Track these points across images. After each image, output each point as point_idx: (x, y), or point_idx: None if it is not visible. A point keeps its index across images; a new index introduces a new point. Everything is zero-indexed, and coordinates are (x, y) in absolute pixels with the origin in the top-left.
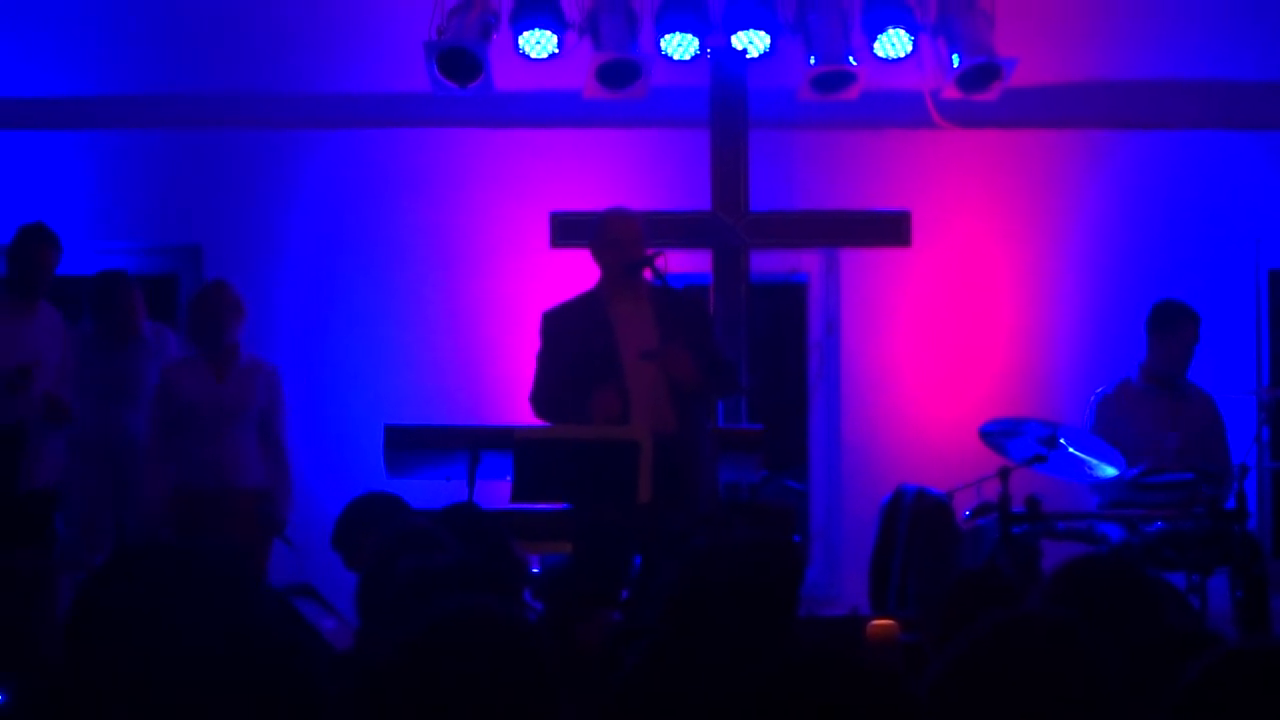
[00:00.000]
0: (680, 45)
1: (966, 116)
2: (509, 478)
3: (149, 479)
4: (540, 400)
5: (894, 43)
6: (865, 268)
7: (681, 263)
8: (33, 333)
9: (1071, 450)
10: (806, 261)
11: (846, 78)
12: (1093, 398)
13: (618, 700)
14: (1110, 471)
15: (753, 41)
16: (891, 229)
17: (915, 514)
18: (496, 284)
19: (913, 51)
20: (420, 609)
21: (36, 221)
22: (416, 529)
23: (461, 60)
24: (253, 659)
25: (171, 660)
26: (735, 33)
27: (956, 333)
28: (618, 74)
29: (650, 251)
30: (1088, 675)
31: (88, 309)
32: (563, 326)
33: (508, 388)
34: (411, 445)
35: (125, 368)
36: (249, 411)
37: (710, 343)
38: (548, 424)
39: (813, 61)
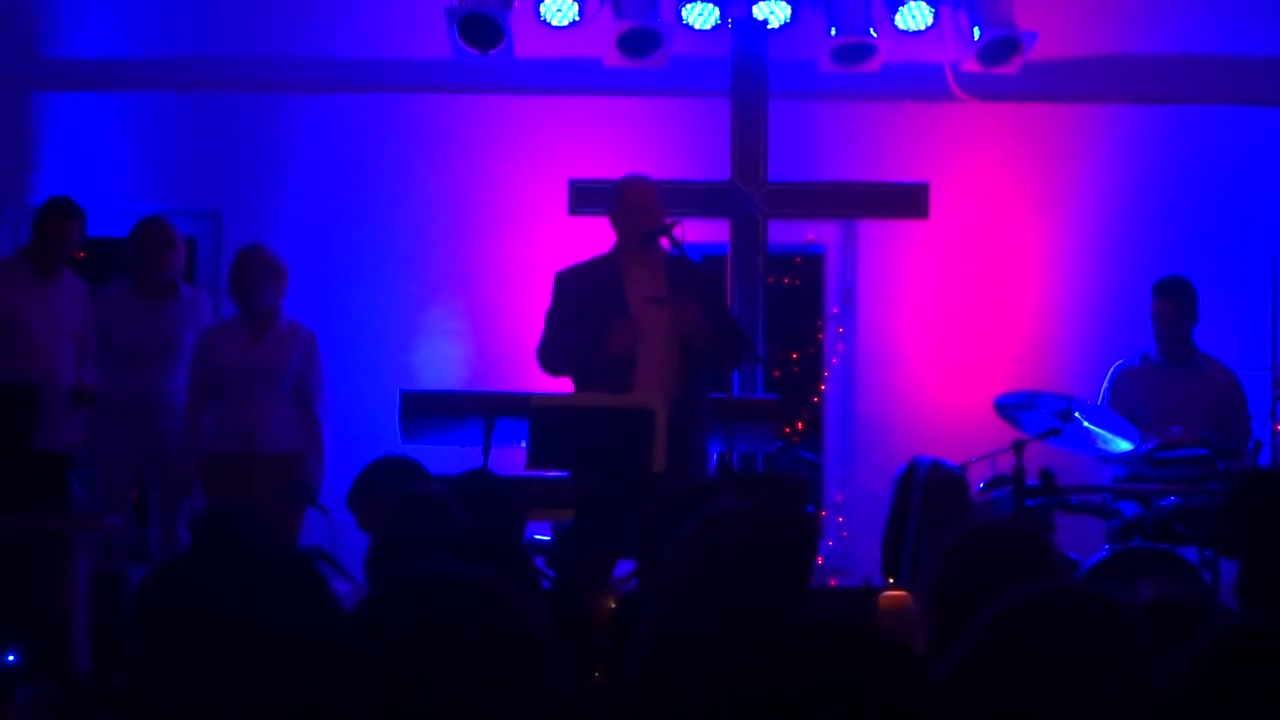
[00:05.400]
0: (701, 15)
1: (986, 89)
2: (524, 444)
3: (182, 442)
4: (545, 353)
5: (915, 15)
6: (883, 239)
7: (699, 233)
8: (55, 299)
9: (1086, 424)
10: (824, 233)
11: (867, 50)
12: (1111, 369)
13: (631, 669)
14: (1124, 446)
15: (774, 12)
16: (909, 201)
17: (929, 486)
18: (514, 250)
19: (933, 24)
20: (403, 574)
21: (63, 195)
22: (426, 495)
23: (483, 26)
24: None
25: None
26: (756, 3)
27: (972, 305)
28: (638, 42)
29: (668, 220)
30: (1126, 656)
31: (123, 261)
32: (574, 285)
33: (524, 354)
34: (427, 411)
35: (159, 326)
36: (284, 376)
37: (724, 313)
38: (551, 377)
39: (833, 33)
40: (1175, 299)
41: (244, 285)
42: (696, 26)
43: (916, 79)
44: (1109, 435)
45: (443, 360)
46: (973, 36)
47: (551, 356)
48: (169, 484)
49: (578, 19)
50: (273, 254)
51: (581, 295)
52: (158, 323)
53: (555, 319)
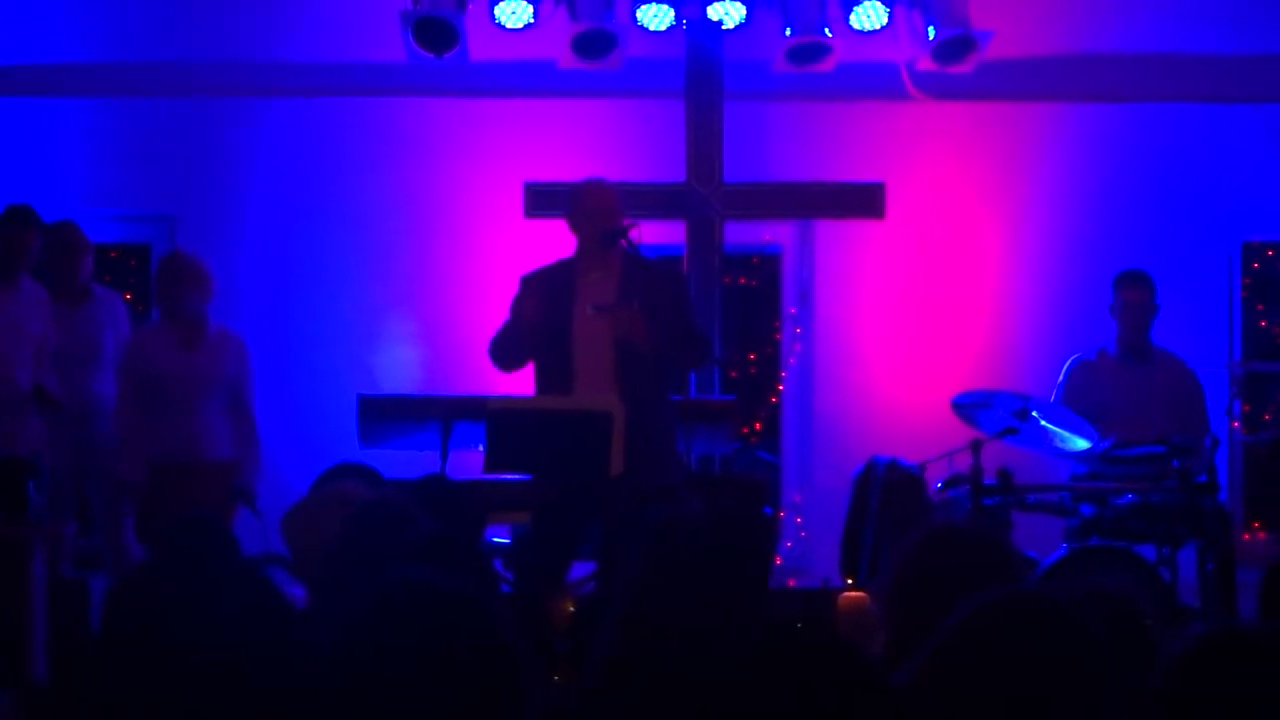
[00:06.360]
0: (656, 16)
1: (941, 89)
2: (482, 447)
3: (122, 449)
4: (492, 347)
5: (869, 14)
6: (839, 239)
7: (656, 234)
8: (13, 306)
9: (1043, 423)
10: (781, 233)
11: (822, 49)
12: (1068, 363)
13: (593, 672)
14: (1081, 444)
15: (728, 13)
16: (865, 201)
17: (887, 486)
18: (471, 254)
19: (888, 23)
20: (372, 582)
21: (23, 203)
22: (385, 501)
23: (437, 29)
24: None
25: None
26: (711, 4)
27: (930, 305)
28: (593, 44)
29: (625, 222)
30: (1087, 660)
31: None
32: (532, 289)
33: (481, 358)
34: (385, 416)
35: (80, 330)
36: (219, 382)
37: (684, 314)
38: (501, 372)
39: (788, 33)
40: (1141, 289)
41: (169, 294)
42: (651, 28)
43: (872, 78)
44: (1066, 434)
45: (400, 364)
46: (928, 36)
47: (496, 352)
48: (108, 490)
49: (532, 21)
50: (196, 261)
51: (535, 300)
52: (78, 327)
53: (508, 319)
